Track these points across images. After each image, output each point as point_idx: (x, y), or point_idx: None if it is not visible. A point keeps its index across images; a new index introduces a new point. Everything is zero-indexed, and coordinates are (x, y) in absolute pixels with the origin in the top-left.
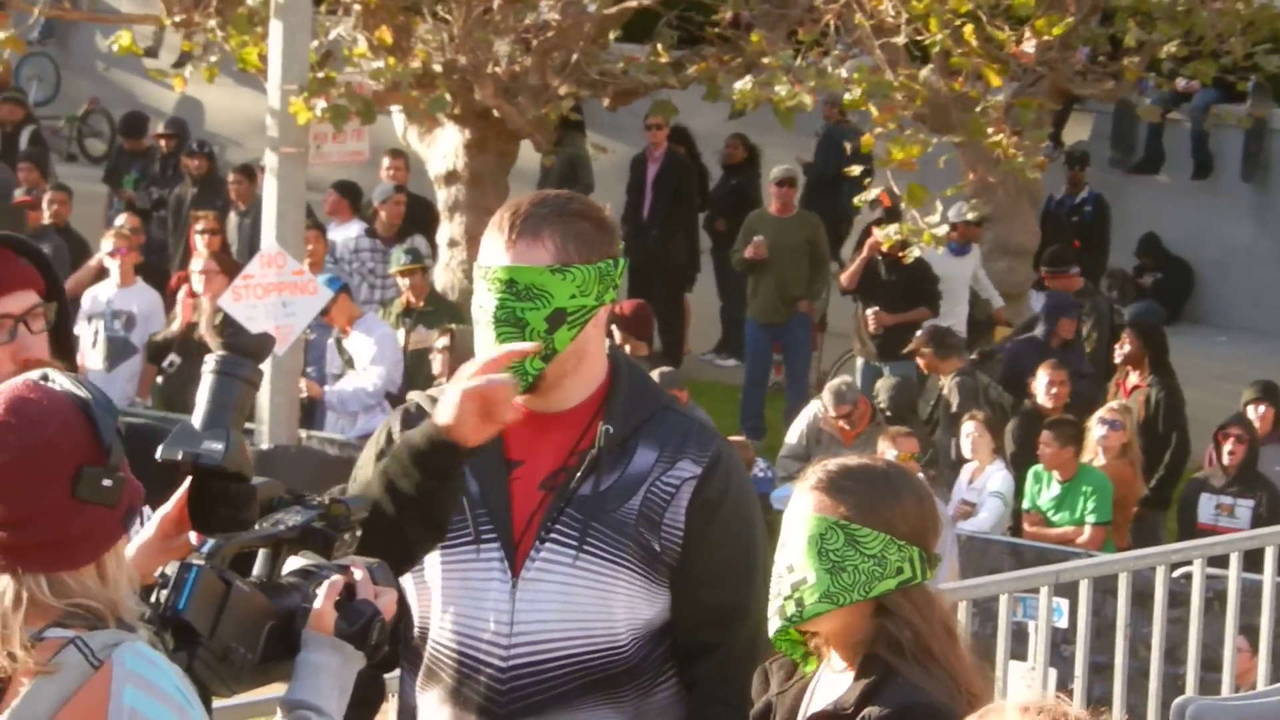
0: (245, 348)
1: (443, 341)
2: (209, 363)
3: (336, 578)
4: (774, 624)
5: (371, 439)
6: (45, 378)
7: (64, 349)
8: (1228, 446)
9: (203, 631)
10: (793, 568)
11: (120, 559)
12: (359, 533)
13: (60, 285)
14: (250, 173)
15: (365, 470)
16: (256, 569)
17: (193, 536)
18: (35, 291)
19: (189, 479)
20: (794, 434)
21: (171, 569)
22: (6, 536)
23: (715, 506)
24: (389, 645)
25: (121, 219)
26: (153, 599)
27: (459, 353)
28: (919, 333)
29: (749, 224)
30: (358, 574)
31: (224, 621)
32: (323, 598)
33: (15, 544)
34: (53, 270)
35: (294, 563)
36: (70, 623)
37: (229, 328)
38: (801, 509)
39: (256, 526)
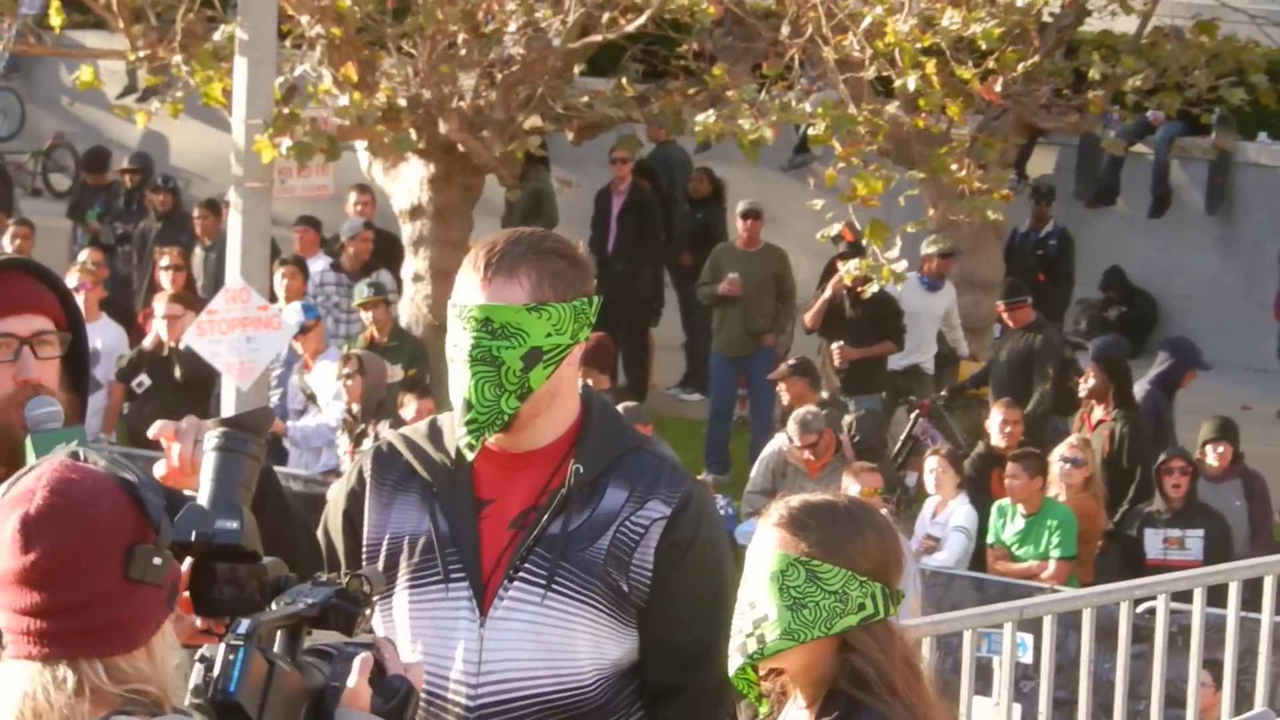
0: (246, 423)
1: (349, 368)
2: (210, 439)
3: (366, 654)
4: (735, 661)
5: (343, 477)
6: (78, 456)
7: (78, 383)
8: (1171, 480)
9: (252, 714)
10: (754, 604)
11: (165, 639)
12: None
13: (79, 319)
14: (215, 207)
15: (334, 516)
16: (276, 649)
17: (197, 620)
18: (49, 319)
19: (188, 561)
20: (758, 470)
21: (211, 650)
22: (63, 624)
23: (685, 548)
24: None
25: (85, 254)
26: (194, 680)
27: (369, 378)
28: (786, 364)
29: (715, 257)
30: (385, 650)
31: (269, 704)
32: (356, 675)
33: (71, 630)
34: (73, 303)
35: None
36: (132, 710)
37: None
38: (764, 545)
39: (273, 606)
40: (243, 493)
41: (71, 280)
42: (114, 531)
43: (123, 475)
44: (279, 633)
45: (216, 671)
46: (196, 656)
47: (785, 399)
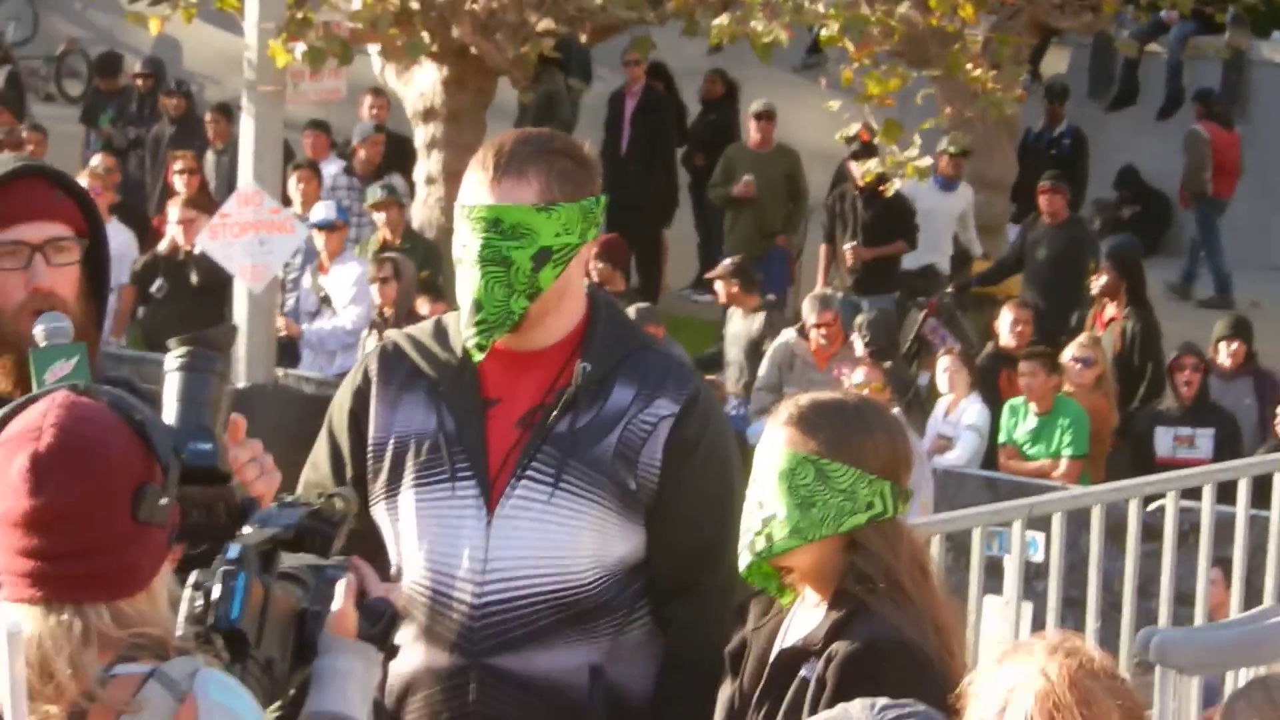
0: (212, 340)
1: (385, 271)
2: (174, 359)
3: (349, 576)
4: (744, 559)
5: (348, 376)
6: (78, 389)
7: (98, 289)
8: (1183, 377)
9: (252, 640)
10: (763, 503)
11: (164, 581)
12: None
13: (99, 224)
14: (228, 111)
15: (340, 416)
16: None
17: None
18: (66, 226)
19: None
20: (766, 365)
21: (204, 577)
22: (71, 568)
23: (692, 445)
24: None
25: (97, 159)
26: (188, 608)
27: (404, 283)
28: (724, 263)
29: (727, 158)
30: (364, 571)
31: (266, 630)
32: (342, 598)
33: (79, 574)
34: (93, 209)
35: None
36: (137, 655)
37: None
38: (773, 444)
39: (248, 529)
40: (211, 413)
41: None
42: (124, 473)
43: (132, 413)
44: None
45: (216, 598)
46: (190, 584)
47: (722, 297)
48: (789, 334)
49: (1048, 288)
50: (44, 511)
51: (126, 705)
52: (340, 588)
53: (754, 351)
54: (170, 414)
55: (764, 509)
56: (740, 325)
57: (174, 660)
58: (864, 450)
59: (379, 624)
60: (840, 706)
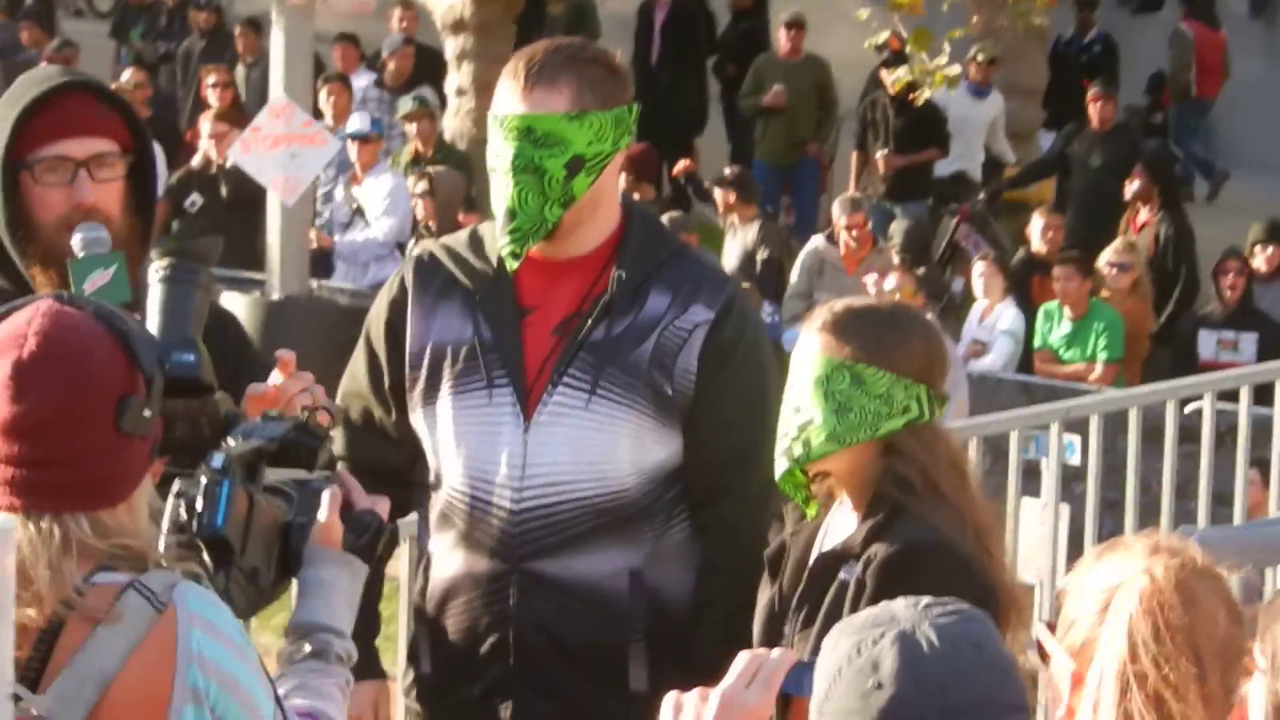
0: (195, 252)
1: (421, 186)
2: (156, 270)
3: (334, 488)
4: (781, 465)
5: (384, 287)
6: (62, 299)
7: (143, 204)
8: (1227, 281)
9: (236, 549)
10: (799, 408)
11: (144, 493)
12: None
13: (146, 139)
14: (257, 25)
15: (377, 326)
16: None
17: None
18: (112, 140)
19: None
20: (796, 272)
21: (187, 486)
22: (51, 476)
23: (729, 351)
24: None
25: (128, 73)
26: (171, 515)
27: (441, 197)
28: (724, 172)
29: (757, 68)
30: (350, 483)
31: (251, 538)
32: (326, 509)
33: (59, 482)
34: (139, 124)
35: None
36: (116, 565)
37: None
38: (808, 350)
39: (232, 442)
40: (194, 324)
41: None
42: (107, 383)
43: (115, 324)
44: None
45: (200, 506)
46: (174, 492)
47: (720, 206)
48: (818, 240)
49: (1099, 194)
50: (24, 418)
51: (104, 614)
52: (325, 499)
53: (748, 261)
54: (152, 326)
55: (800, 414)
56: (736, 235)
57: (153, 572)
58: (899, 354)
59: (365, 535)
60: (883, 604)
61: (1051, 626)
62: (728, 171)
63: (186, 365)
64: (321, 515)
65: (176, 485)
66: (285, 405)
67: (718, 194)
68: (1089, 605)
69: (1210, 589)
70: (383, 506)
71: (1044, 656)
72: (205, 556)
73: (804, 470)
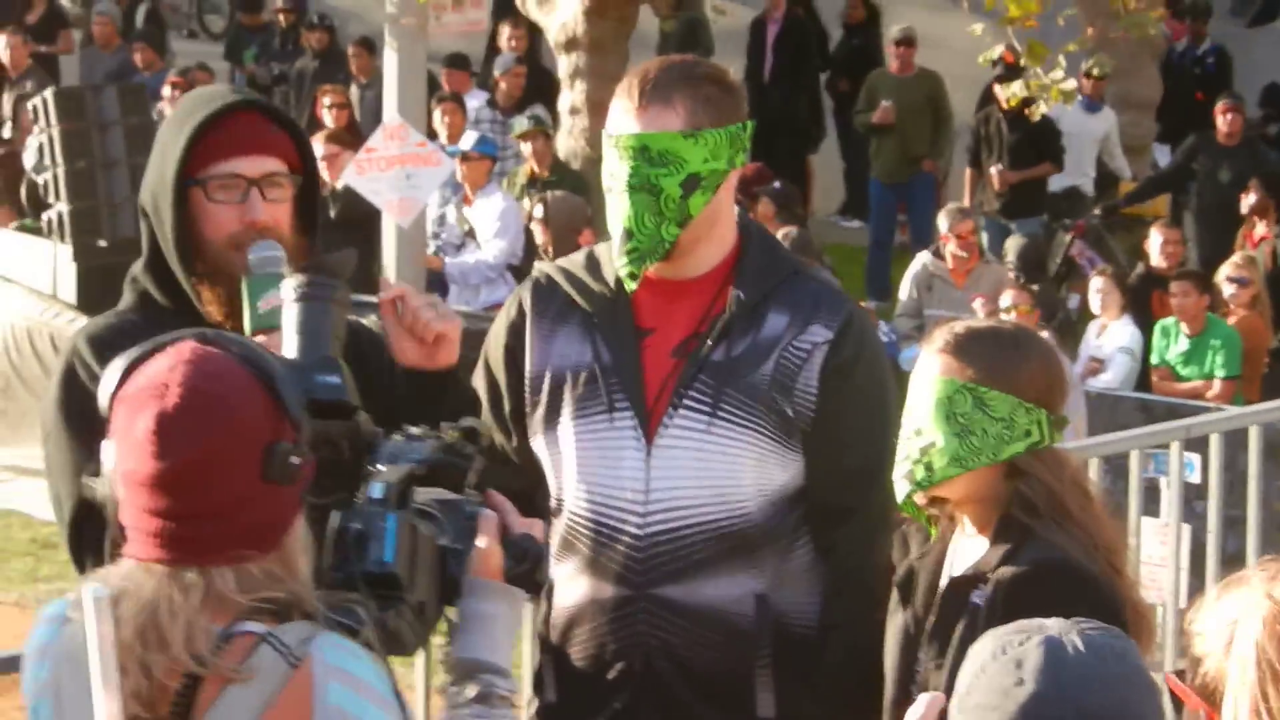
0: (329, 266)
1: (538, 211)
2: (290, 289)
3: (489, 513)
4: (903, 488)
5: (502, 311)
6: (205, 339)
7: (309, 225)
8: None
9: (405, 584)
10: (920, 431)
11: (296, 538)
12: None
13: (313, 160)
14: (370, 45)
15: (495, 350)
16: None
17: None
18: (281, 161)
19: None
20: (905, 289)
21: (345, 520)
22: (195, 528)
23: (849, 370)
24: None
25: None
26: (333, 552)
27: (556, 221)
28: (775, 185)
29: (870, 84)
30: (505, 507)
31: (417, 573)
32: (486, 536)
33: (205, 535)
34: (307, 145)
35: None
36: (259, 616)
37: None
38: (929, 372)
39: (382, 467)
40: (334, 343)
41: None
42: (253, 432)
43: (262, 367)
44: None
45: (366, 540)
46: (335, 527)
47: (753, 214)
48: (924, 256)
49: (1227, 208)
50: (169, 472)
51: (235, 672)
52: (483, 525)
53: None
54: (290, 347)
55: (921, 437)
56: None
57: (290, 624)
58: (1021, 378)
59: (525, 563)
60: (1037, 620)
61: (1180, 674)
62: (777, 184)
63: (332, 387)
64: (481, 542)
65: (336, 519)
66: (412, 317)
67: (763, 202)
68: (1214, 642)
69: None
70: (538, 530)
71: (1177, 704)
72: (370, 593)
73: (924, 493)
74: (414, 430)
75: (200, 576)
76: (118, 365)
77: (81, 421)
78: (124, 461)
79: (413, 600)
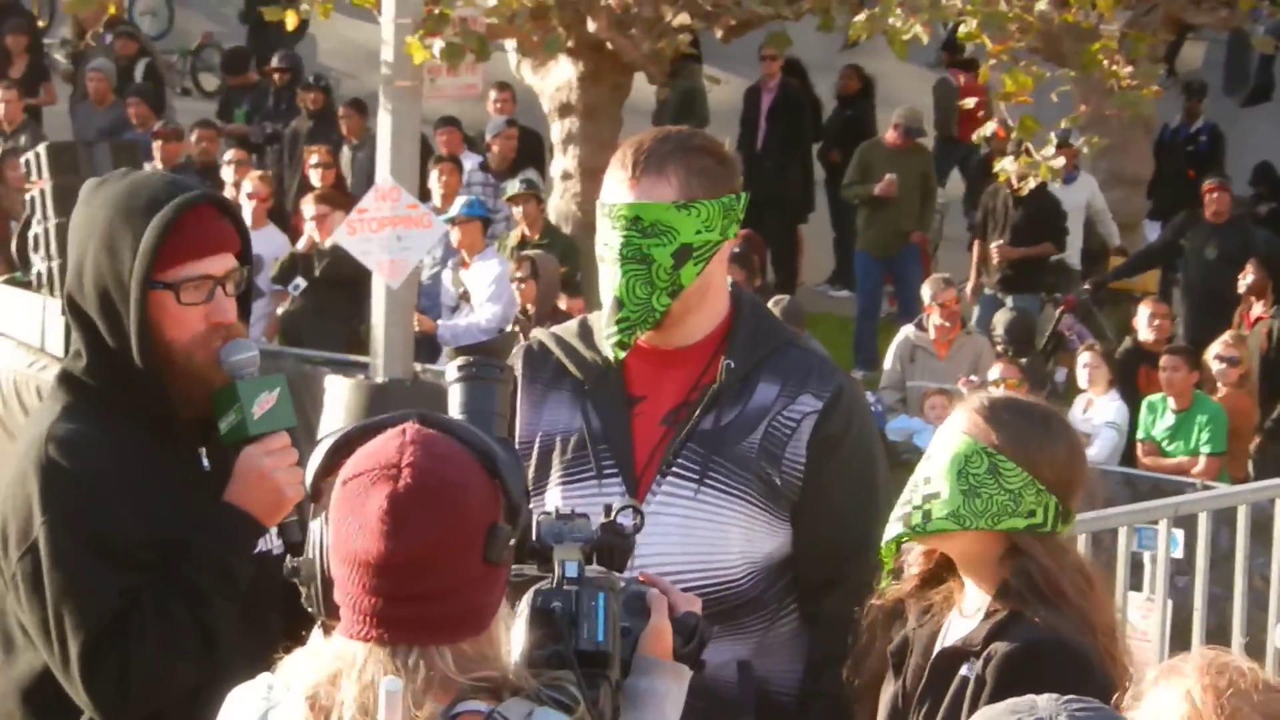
0: (493, 348)
1: (524, 270)
2: (455, 370)
3: (655, 592)
4: (894, 528)
5: None
6: (426, 420)
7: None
8: None
9: (615, 662)
10: (929, 479)
11: (503, 618)
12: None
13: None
14: (361, 107)
15: None
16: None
17: None
18: (233, 254)
19: None
20: (889, 360)
21: (549, 596)
22: (419, 611)
23: (837, 441)
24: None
25: (230, 154)
26: (541, 630)
27: (545, 280)
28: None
29: (862, 155)
30: (665, 585)
31: (616, 650)
32: (658, 614)
33: (427, 617)
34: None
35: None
36: (476, 695)
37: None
38: (955, 426)
39: (553, 545)
40: (501, 423)
41: (246, 187)
42: (479, 515)
43: (484, 449)
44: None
45: (579, 619)
46: (535, 606)
47: None
48: (907, 329)
49: (1213, 286)
50: (398, 555)
51: None
52: (655, 604)
53: None
54: None
55: (928, 486)
56: None
57: (510, 701)
58: (1041, 458)
59: (693, 641)
60: (1028, 698)
61: None
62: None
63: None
64: (655, 621)
65: (536, 599)
66: None
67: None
68: None
69: (1257, 706)
70: (696, 606)
71: None
72: (581, 671)
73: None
74: (563, 509)
75: (421, 656)
76: (328, 444)
77: (102, 539)
78: (349, 541)
79: (613, 678)
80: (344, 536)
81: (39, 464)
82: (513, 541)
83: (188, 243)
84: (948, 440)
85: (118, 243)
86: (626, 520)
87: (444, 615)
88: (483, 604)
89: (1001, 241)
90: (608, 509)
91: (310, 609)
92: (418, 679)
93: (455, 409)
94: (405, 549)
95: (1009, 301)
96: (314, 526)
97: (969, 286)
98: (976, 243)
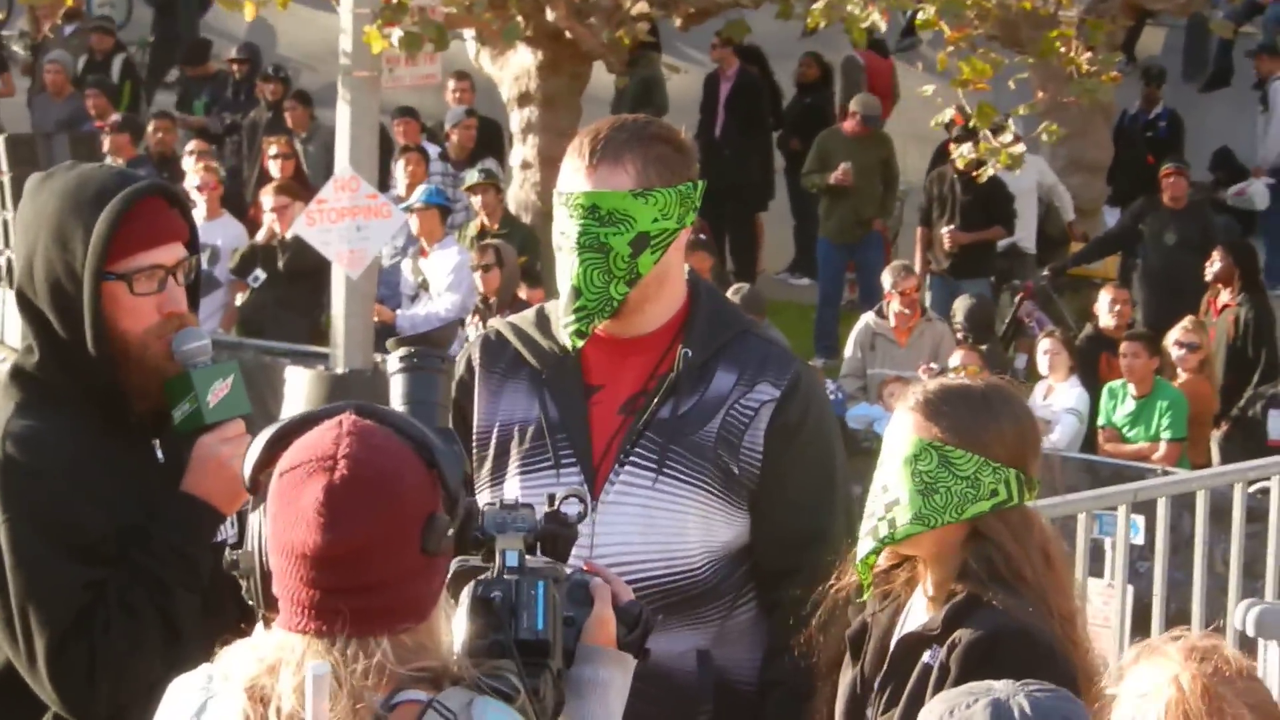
0: (434, 338)
1: (488, 258)
2: (397, 360)
3: (599, 581)
4: (866, 544)
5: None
6: (363, 411)
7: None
8: None
9: (555, 651)
10: (887, 487)
11: (443, 608)
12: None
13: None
14: (306, 99)
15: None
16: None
17: None
18: (182, 243)
19: None
20: (850, 348)
21: (489, 586)
22: (357, 602)
23: (794, 430)
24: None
25: (191, 144)
26: (481, 620)
27: (508, 268)
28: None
29: (821, 143)
30: (608, 574)
31: (557, 640)
32: (601, 603)
33: (364, 608)
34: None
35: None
36: (415, 685)
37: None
38: (900, 429)
39: (496, 534)
40: (444, 413)
41: (193, 179)
42: (416, 506)
43: (421, 440)
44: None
45: (518, 610)
46: (475, 595)
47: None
48: (868, 316)
49: (1173, 272)
50: (335, 547)
51: None
52: (599, 592)
53: None
54: None
55: (888, 493)
56: None
57: (449, 690)
58: (989, 437)
59: (637, 629)
60: (985, 683)
61: None
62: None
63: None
64: (598, 610)
65: (477, 588)
66: None
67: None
68: (1124, 711)
69: (1240, 693)
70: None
71: None
72: (520, 660)
73: (891, 551)
74: (507, 500)
75: (359, 648)
76: (265, 436)
77: (64, 534)
78: (285, 533)
79: (555, 667)
80: (281, 529)
81: None
82: (451, 532)
83: (138, 233)
84: (894, 443)
85: (68, 234)
86: (571, 509)
87: (382, 606)
88: (421, 594)
89: (952, 227)
90: (551, 498)
91: (250, 601)
92: (357, 670)
93: (397, 399)
94: (342, 541)
95: (961, 286)
96: (252, 519)
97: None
98: (921, 229)
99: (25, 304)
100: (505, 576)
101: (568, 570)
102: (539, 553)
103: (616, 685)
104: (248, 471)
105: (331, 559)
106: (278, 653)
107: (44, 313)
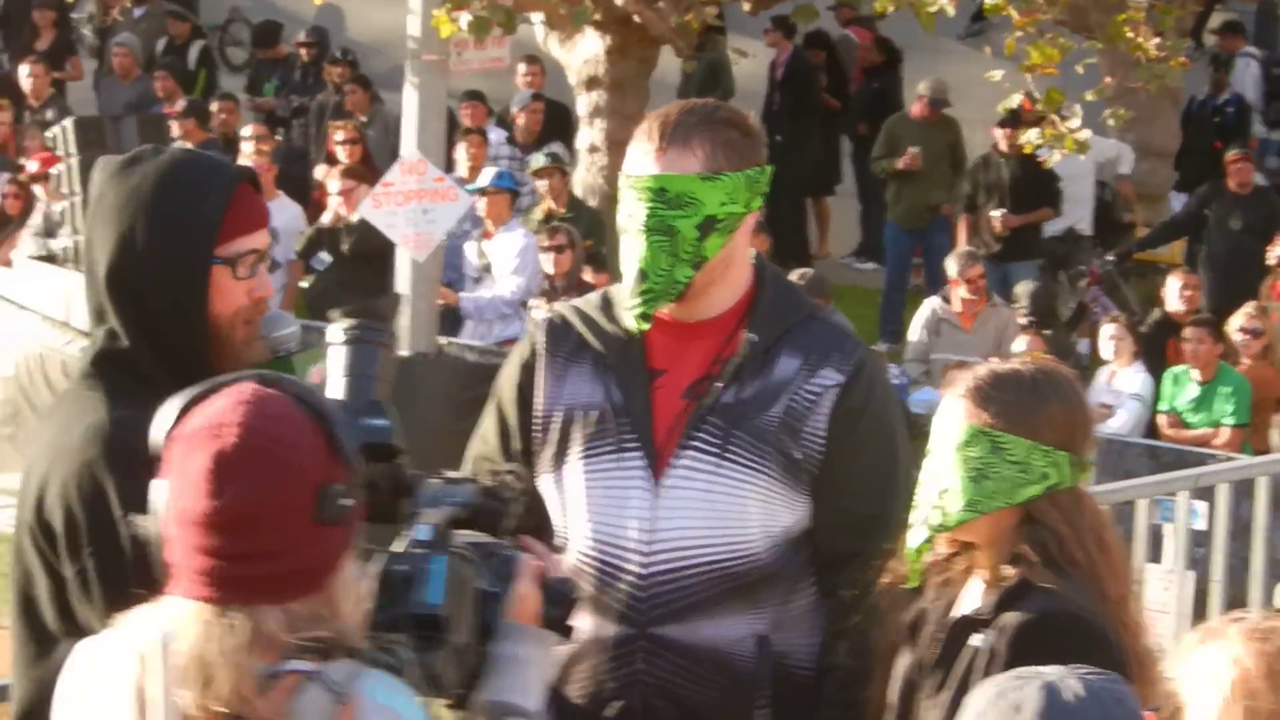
0: (376, 311)
1: (559, 240)
2: (338, 332)
3: (526, 557)
4: (920, 533)
5: (515, 349)
6: (265, 380)
7: None
8: None
9: (449, 626)
10: (938, 475)
11: (345, 580)
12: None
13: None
14: (366, 82)
15: (507, 388)
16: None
17: None
18: (265, 229)
19: None
20: (914, 332)
21: (390, 564)
22: (247, 569)
23: (858, 415)
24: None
25: (249, 128)
26: (379, 593)
27: (576, 252)
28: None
29: (890, 129)
30: (540, 550)
31: (461, 615)
32: (525, 581)
33: (255, 576)
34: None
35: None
36: (305, 655)
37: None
38: (950, 416)
39: (426, 509)
40: (381, 386)
41: (246, 161)
42: (308, 474)
43: (319, 409)
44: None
45: (412, 581)
46: (379, 568)
47: None
48: (933, 301)
49: (1237, 257)
50: (224, 513)
51: (281, 714)
52: (521, 568)
53: None
54: (338, 389)
55: (939, 481)
56: None
57: (336, 662)
58: (1038, 421)
59: (561, 607)
60: (1034, 668)
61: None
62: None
63: (379, 430)
64: (519, 586)
65: (382, 560)
66: None
67: (759, 238)
68: (1189, 694)
69: None
70: (574, 574)
71: None
72: (414, 634)
73: (949, 538)
74: (452, 474)
75: (248, 616)
76: (174, 404)
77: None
78: (177, 500)
79: (455, 642)
80: (173, 495)
81: (108, 454)
82: (348, 501)
83: (239, 218)
84: (947, 431)
85: (173, 216)
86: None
87: (272, 574)
88: (314, 565)
89: (1004, 211)
90: (493, 473)
91: (155, 569)
92: (242, 638)
93: (337, 371)
94: (229, 507)
95: (1008, 270)
96: (154, 486)
97: None
98: (965, 215)
99: (115, 285)
100: (414, 550)
101: (501, 545)
102: (476, 527)
103: (536, 663)
104: (157, 439)
105: (219, 525)
106: (169, 621)
107: (137, 298)
